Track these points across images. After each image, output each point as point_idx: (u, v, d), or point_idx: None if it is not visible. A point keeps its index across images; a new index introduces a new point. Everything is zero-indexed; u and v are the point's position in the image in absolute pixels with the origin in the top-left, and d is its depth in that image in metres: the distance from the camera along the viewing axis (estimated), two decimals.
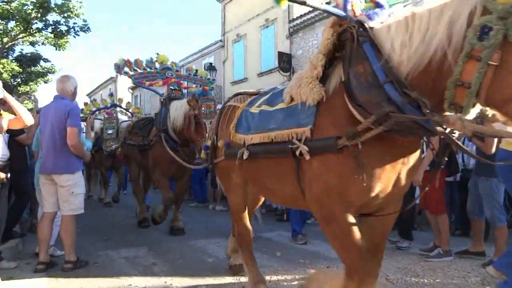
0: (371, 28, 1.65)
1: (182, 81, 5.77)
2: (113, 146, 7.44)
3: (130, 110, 8.95)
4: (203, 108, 4.67)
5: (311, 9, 12.27)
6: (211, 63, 16.39)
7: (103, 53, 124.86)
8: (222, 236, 5.05)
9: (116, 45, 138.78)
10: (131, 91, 26.27)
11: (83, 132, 4.35)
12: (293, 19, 12.93)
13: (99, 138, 8.02)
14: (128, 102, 9.71)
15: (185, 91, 6.09)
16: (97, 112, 8.66)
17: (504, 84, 1.24)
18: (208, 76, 6.76)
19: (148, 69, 5.72)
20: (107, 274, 3.44)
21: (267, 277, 3.27)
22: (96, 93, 36.16)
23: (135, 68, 5.65)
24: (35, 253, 3.80)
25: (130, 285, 3.17)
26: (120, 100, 9.11)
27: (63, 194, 3.54)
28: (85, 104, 9.08)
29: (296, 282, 3.18)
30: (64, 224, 3.57)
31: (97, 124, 8.63)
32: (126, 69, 5.63)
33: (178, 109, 4.87)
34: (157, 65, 5.75)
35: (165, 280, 3.28)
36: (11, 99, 3.26)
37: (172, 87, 5.46)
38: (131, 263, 3.84)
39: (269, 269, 3.49)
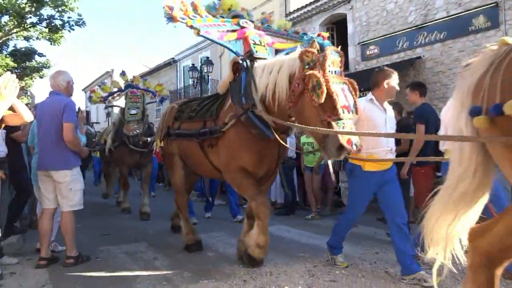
0: None
1: (264, 35, 3.64)
2: (137, 131, 6.03)
3: (151, 89, 6.93)
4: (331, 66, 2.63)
5: (308, 2, 12.23)
6: (207, 57, 16.31)
7: (99, 47, 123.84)
8: (222, 230, 5.09)
9: (112, 39, 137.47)
10: None
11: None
12: (290, 13, 12.85)
13: (118, 130, 6.42)
14: (146, 80, 7.60)
15: (268, 49, 3.63)
16: (110, 98, 6.86)
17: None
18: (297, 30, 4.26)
19: (212, 17, 3.68)
20: (109, 269, 3.47)
21: (267, 270, 3.32)
22: (91, 87, 35.95)
23: (194, 14, 3.49)
24: (36, 249, 3.82)
25: (134, 280, 3.19)
26: (137, 79, 6.88)
27: (62, 190, 3.55)
28: (92, 91, 7.12)
29: (296, 276, 3.21)
30: (63, 220, 3.58)
31: (115, 113, 7.26)
32: (182, 14, 3.42)
33: (276, 71, 2.96)
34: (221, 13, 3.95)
35: (166, 274, 3.31)
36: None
37: (253, 41, 3.46)
38: (132, 258, 3.87)
39: (269, 263, 3.52)
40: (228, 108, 3.41)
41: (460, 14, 8.27)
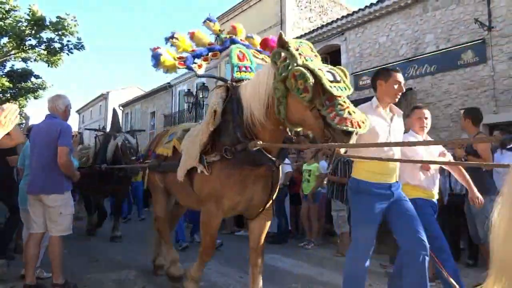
0: None
1: None
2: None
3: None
4: None
5: (306, 32, 12.60)
6: (203, 83, 16.53)
7: (95, 70, 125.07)
8: (213, 259, 4.97)
9: (108, 63, 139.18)
10: (122, 109, 26.19)
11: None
12: None
13: (221, 129, 2.77)
14: (251, 36, 3.85)
15: None
16: (201, 61, 3.27)
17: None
18: None
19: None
20: None
21: None
22: (86, 109, 35.98)
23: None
24: (21, 275, 3.69)
25: None
26: (239, 29, 3.65)
27: (51, 215, 3.47)
28: (157, 48, 2.93)
29: None
30: (51, 245, 3.49)
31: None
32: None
33: None
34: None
35: None
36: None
37: None
38: (120, 286, 3.75)
39: None
40: None
41: (450, 49, 8.59)
